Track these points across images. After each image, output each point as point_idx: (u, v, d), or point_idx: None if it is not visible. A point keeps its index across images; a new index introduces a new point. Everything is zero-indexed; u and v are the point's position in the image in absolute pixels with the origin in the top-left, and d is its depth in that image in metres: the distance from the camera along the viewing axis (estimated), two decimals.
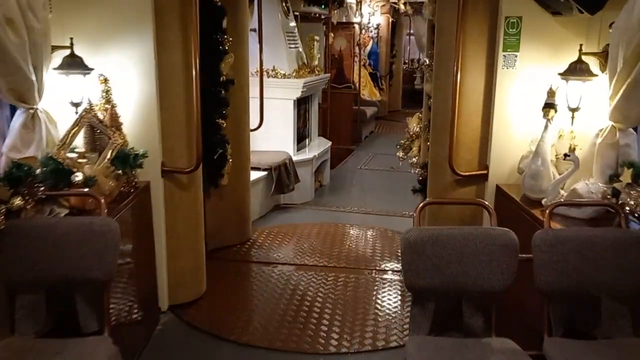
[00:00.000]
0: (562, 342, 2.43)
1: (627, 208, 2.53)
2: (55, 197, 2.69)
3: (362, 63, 10.84)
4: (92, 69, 3.11)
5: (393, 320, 3.70)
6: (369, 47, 12.05)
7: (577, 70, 2.99)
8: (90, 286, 2.51)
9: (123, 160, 2.97)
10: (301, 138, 6.62)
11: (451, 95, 3.44)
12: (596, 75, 2.99)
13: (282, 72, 6.13)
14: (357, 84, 10.17)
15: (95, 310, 2.53)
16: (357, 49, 10.32)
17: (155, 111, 3.41)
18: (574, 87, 3.01)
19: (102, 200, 2.62)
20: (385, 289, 4.15)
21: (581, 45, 3.02)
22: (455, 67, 3.36)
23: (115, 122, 3.11)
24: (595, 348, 2.37)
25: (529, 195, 3.08)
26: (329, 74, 7.82)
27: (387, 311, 3.82)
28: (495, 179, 3.47)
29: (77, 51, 3.09)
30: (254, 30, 5.45)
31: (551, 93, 3.03)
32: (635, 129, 2.84)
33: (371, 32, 12.16)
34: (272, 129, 5.90)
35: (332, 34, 9.01)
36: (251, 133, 5.04)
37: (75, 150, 2.88)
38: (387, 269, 4.53)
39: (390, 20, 12.78)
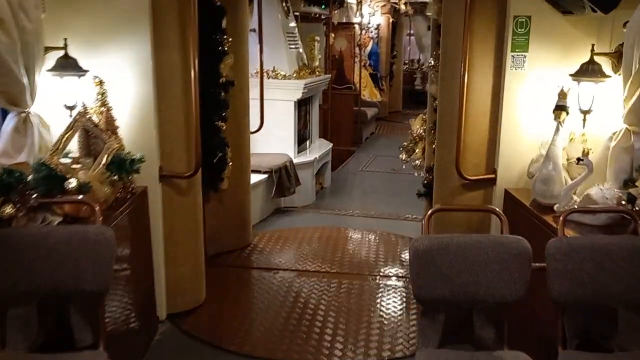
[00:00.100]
0: (577, 355, 2.33)
1: None
2: (48, 205, 2.59)
3: (362, 63, 10.74)
4: (87, 71, 3.01)
5: (399, 329, 3.60)
6: (369, 48, 11.96)
7: (589, 71, 2.89)
8: (85, 298, 2.40)
9: (119, 165, 2.86)
10: (302, 140, 6.52)
11: (458, 97, 3.34)
12: (609, 76, 2.90)
13: (283, 73, 6.03)
14: (357, 85, 10.08)
15: (90, 323, 2.43)
16: (357, 49, 10.22)
17: (153, 114, 3.30)
18: (586, 88, 2.92)
19: (97, 208, 2.51)
20: (390, 296, 4.04)
21: (593, 45, 2.92)
22: (462, 68, 3.26)
23: (111, 126, 3.01)
24: None
25: (540, 200, 2.98)
26: (330, 75, 7.71)
27: (392, 319, 3.72)
28: (503, 183, 3.37)
29: (72, 52, 2.98)
30: (254, 30, 5.35)
31: (562, 95, 2.93)
32: None
33: (371, 32, 12.07)
34: (273, 130, 5.80)
35: (333, 35, 8.91)
36: (251, 135, 4.93)
37: (69, 155, 2.77)
38: (390, 274, 4.43)
39: (391, 21, 12.69)
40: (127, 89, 3.23)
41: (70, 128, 2.74)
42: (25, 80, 2.64)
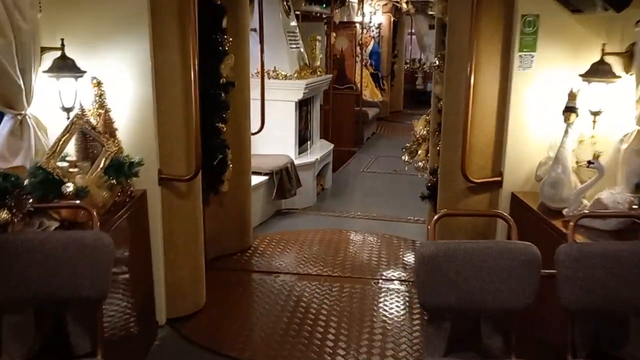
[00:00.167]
0: None
1: None
2: (45, 210, 2.52)
3: (363, 63, 10.67)
4: (84, 72, 2.93)
5: (402, 334, 3.53)
6: (370, 47, 11.89)
7: (599, 71, 2.83)
8: (82, 305, 2.35)
9: (117, 169, 2.79)
10: (303, 141, 6.45)
11: (463, 97, 3.27)
12: (620, 77, 2.83)
13: (283, 73, 5.97)
14: (358, 85, 10.01)
15: (88, 330, 2.37)
16: (358, 48, 10.15)
17: (152, 116, 3.24)
18: (596, 89, 2.85)
19: (95, 213, 2.44)
20: (393, 300, 3.98)
21: (604, 44, 2.85)
22: (468, 68, 3.19)
23: (109, 128, 2.94)
24: None
25: (548, 204, 2.91)
26: (331, 75, 7.63)
27: (395, 324, 3.65)
28: (510, 186, 3.31)
29: (69, 53, 2.90)
30: (254, 30, 5.28)
31: (572, 96, 2.86)
32: None
33: (373, 31, 12.00)
34: (273, 131, 5.73)
35: (334, 34, 8.84)
36: (252, 136, 4.86)
37: (67, 158, 2.70)
38: (393, 278, 4.36)
39: (392, 20, 12.62)
40: (125, 90, 3.17)
41: (68, 131, 2.67)
42: (21, 81, 2.58)
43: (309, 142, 6.69)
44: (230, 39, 4.10)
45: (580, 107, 2.89)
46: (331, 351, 3.33)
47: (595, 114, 2.89)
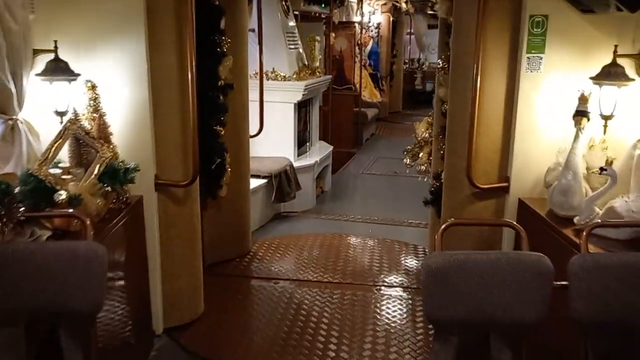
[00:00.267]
0: None
1: None
2: (37, 219, 2.42)
3: (362, 63, 10.58)
4: (78, 75, 2.83)
5: (405, 344, 3.44)
6: (369, 47, 11.80)
7: (611, 74, 2.74)
8: (75, 318, 2.25)
9: (112, 175, 2.69)
10: (302, 143, 6.35)
11: (469, 100, 3.18)
12: (633, 80, 2.74)
13: (282, 74, 5.87)
14: (357, 85, 9.91)
15: (81, 344, 2.27)
16: (357, 49, 10.06)
17: (148, 119, 3.14)
18: (608, 92, 2.76)
19: (88, 222, 2.34)
20: (396, 307, 3.88)
21: (616, 46, 2.76)
22: (474, 70, 3.09)
23: (103, 133, 2.84)
24: None
25: (558, 212, 2.82)
26: (330, 76, 7.53)
27: (398, 332, 3.56)
28: (517, 192, 3.21)
29: (62, 55, 2.80)
30: (253, 30, 5.17)
31: (583, 99, 2.77)
32: None
33: (371, 31, 11.90)
34: (272, 133, 5.63)
35: (333, 34, 8.74)
36: (250, 139, 4.77)
37: (59, 165, 2.60)
38: (395, 284, 4.27)
39: (391, 19, 12.52)
40: (121, 93, 3.07)
41: (60, 136, 2.58)
42: (12, 85, 2.48)
43: (308, 144, 6.59)
44: (229, 40, 4.01)
45: (591, 110, 2.80)
46: None
47: (607, 118, 2.80)
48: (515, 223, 2.46)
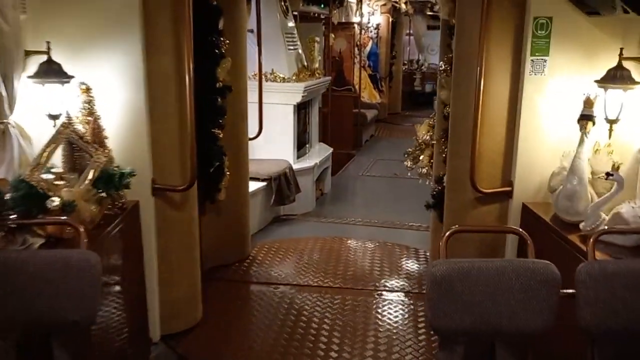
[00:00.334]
0: None
1: None
2: (29, 226, 2.36)
3: (361, 64, 10.52)
4: (72, 77, 2.76)
5: (407, 350, 3.38)
6: (368, 48, 11.73)
7: (617, 77, 2.68)
8: (68, 330, 2.18)
9: (107, 181, 2.62)
10: (301, 145, 6.28)
11: (472, 103, 3.11)
12: (639, 83, 2.68)
13: (281, 75, 5.80)
14: (357, 86, 9.85)
15: (75, 357, 2.21)
16: (357, 50, 9.99)
17: (145, 123, 3.07)
18: (614, 96, 2.70)
19: (82, 230, 2.27)
20: (398, 313, 3.82)
21: (621, 49, 2.70)
22: (477, 72, 3.03)
23: (98, 137, 2.77)
24: None
25: (563, 217, 2.76)
26: (330, 77, 7.46)
27: (400, 338, 3.50)
28: (520, 196, 3.16)
29: (55, 56, 2.73)
30: (251, 31, 5.11)
31: (589, 103, 2.71)
32: None
33: (371, 32, 11.84)
34: (271, 136, 5.57)
35: (333, 35, 8.68)
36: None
37: (52, 170, 2.53)
38: (396, 289, 4.21)
39: (390, 20, 12.47)
40: (116, 95, 3.00)
41: (53, 141, 2.51)
42: (2, 88, 2.42)
43: (307, 146, 6.52)
44: (227, 41, 3.95)
45: (596, 114, 2.74)
46: None
47: (612, 122, 2.74)
48: (521, 230, 2.40)
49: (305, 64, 6.36)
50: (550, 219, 2.89)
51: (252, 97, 4.85)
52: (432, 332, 3.38)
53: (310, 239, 5.16)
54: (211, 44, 3.80)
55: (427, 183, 4.57)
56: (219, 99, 3.93)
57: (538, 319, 2.15)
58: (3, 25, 2.32)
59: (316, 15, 8.07)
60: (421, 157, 4.59)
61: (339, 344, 3.43)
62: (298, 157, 6.09)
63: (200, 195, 3.66)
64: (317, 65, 6.62)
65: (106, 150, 2.77)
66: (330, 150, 6.91)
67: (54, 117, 2.71)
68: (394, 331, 3.59)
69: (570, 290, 2.18)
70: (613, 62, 2.75)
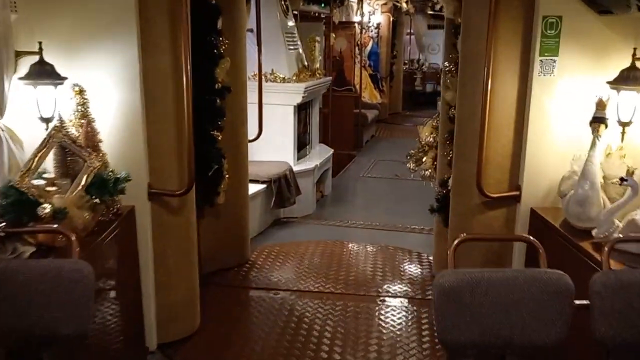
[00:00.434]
0: None
1: None
2: (19, 234, 2.26)
3: (362, 64, 10.42)
4: (65, 78, 2.67)
5: (412, 359, 3.28)
6: (368, 48, 11.65)
7: (630, 78, 2.59)
8: (61, 343, 2.09)
9: (100, 186, 2.53)
10: (301, 146, 6.18)
11: (479, 105, 3.02)
12: None
13: (282, 75, 5.70)
14: (357, 86, 9.76)
15: None
16: (357, 49, 9.90)
17: (140, 125, 2.98)
18: (627, 97, 2.61)
19: (74, 238, 2.18)
20: (401, 320, 3.72)
21: (635, 49, 2.61)
22: (484, 73, 2.94)
23: (92, 141, 2.67)
24: None
25: (574, 223, 2.67)
26: (331, 78, 7.37)
27: (404, 347, 3.40)
28: (528, 201, 3.06)
29: (47, 57, 2.64)
30: (251, 30, 5.01)
31: (601, 105, 2.62)
32: None
33: (371, 31, 11.75)
34: (271, 137, 5.46)
35: (333, 34, 8.58)
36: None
37: (44, 176, 2.43)
38: (399, 294, 4.11)
39: (391, 19, 12.37)
40: (111, 97, 2.91)
41: (45, 145, 2.41)
42: None
43: (308, 147, 6.43)
44: (226, 41, 3.86)
45: (608, 117, 2.65)
46: None
47: (625, 124, 2.65)
48: (533, 239, 2.30)
49: (306, 64, 6.26)
50: (560, 224, 2.80)
51: (251, 97, 4.75)
52: (437, 341, 3.29)
53: (311, 242, 5.06)
54: (210, 44, 3.71)
55: (429, 185, 4.49)
56: (218, 100, 3.84)
57: (551, 331, 2.06)
58: None
59: (316, 14, 7.98)
60: (424, 159, 4.51)
61: (341, 352, 3.34)
62: (298, 159, 5.99)
63: (199, 199, 3.57)
64: (317, 65, 6.52)
65: (100, 155, 2.68)
66: (331, 151, 6.82)
67: (46, 120, 2.62)
68: (397, 338, 3.50)
69: (585, 302, 2.10)
70: (625, 63, 2.66)
